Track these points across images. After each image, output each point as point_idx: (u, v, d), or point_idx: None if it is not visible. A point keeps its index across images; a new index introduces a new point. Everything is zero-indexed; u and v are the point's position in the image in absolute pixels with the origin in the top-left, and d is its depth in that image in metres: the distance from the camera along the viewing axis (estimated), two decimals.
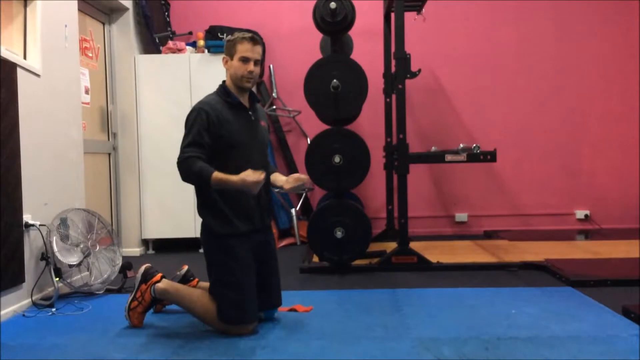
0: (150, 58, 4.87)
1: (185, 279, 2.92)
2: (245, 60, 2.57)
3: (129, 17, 4.78)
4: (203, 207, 2.58)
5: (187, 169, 2.47)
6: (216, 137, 2.51)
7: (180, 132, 4.64)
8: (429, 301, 2.97)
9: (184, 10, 5.53)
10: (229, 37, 2.67)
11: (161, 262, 4.39)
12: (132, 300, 2.64)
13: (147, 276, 2.67)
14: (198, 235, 4.71)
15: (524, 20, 5.55)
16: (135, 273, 2.74)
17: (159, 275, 2.69)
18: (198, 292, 2.63)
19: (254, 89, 5.12)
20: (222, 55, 2.67)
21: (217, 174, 2.41)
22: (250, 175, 2.38)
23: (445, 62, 5.56)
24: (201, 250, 4.56)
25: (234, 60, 2.58)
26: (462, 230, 5.59)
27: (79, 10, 3.92)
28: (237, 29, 5.30)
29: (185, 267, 2.99)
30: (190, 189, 4.70)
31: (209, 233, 2.57)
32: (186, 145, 2.50)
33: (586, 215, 5.57)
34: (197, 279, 2.94)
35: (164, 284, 2.66)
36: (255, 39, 2.60)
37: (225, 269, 2.51)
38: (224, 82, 2.67)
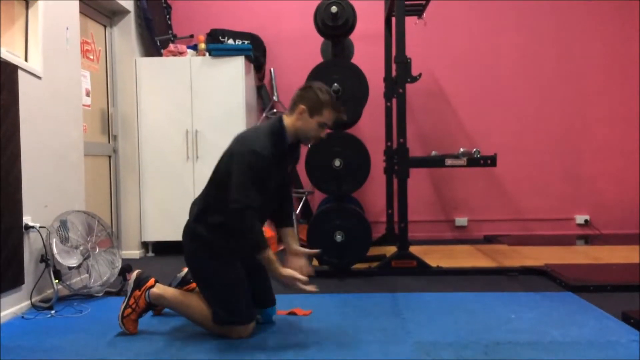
0: (151, 61, 4.88)
1: (184, 282, 2.91)
2: (324, 126, 2.53)
3: (130, 20, 4.78)
4: (207, 222, 2.49)
5: (250, 225, 2.35)
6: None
7: (180, 134, 4.72)
8: (429, 305, 2.97)
9: (185, 13, 5.54)
10: (318, 90, 2.49)
11: (161, 265, 4.40)
12: (125, 308, 2.58)
13: (140, 282, 2.61)
14: None
15: (525, 24, 5.56)
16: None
17: (153, 280, 2.64)
18: (195, 297, 2.60)
19: (254, 91, 5.11)
20: (299, 104, 2.49)
21: (270, 253, 2.37)
22: (295, 278, 2.37)
23: (446, 67, 5.56)
24: None
25: (313, 119, 2.48)
26: (462, 234, 5.58)
27: (81, 12, 3.93)
28: (239, 33, 5.33)
29: (185, 270, 2.98)
30: (190, 192, 4.74)
31: (199, 241, 2.50)
32: (247, 189, 2.35)
33: (586, 221, 5.56)
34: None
35: (158, 289, 2.61)
36: (343, 109, 2.57)
37: (214, 271, 2.48)
38: (281, 120, 2.52)
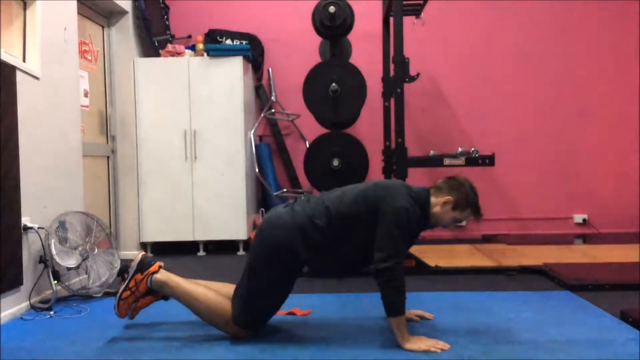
0: (149, 61, 4.88)
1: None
2: (458, 222, 2.56)
3: (128, 21, 4.78)
4: (310, 242, 2.39)
5: (402, 283, 2.31)
6: None
7: (179, 135, 4.73)
8: (427, 305, 2.96)
9: (183, 14, 5.54)
10: (470, 189, 2.50)
11: None
12: (124, 290, 2.50)
13: (143, 265, 2.52)
14: (196, 238, 4.80)
15: (523, 24, 5.56)
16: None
17: (157, 264, 2.53)
18: (201, 288, 2.52)
19: (252, 92, 5.10)
20: (445, 195, 2.49)
21: (403, 319, 2.33)
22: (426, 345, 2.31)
23: (444, 66, 5.57)
24: (242, 252, 4.53)
25: (454, 212, 2.48)
26: (460, 234, 5.59)
27: (79, 13, 3.93)
28: (237, 33, 5.33)
29: (141, 254, 2.69)
30: (188, 192, 4.73)
31: (290, 254, 2.40)
32: (401, 250, 2.34)
33: (584, 220, 5.57)
34: (158, 263, 2.65)
35: (162, 275, 2.51)
36: (482, 215, 2.55)
37: (274, 276, 2.42)
38: (428, 196, 2.50)
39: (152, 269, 2.52)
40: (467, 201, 2.49)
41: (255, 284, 2.43)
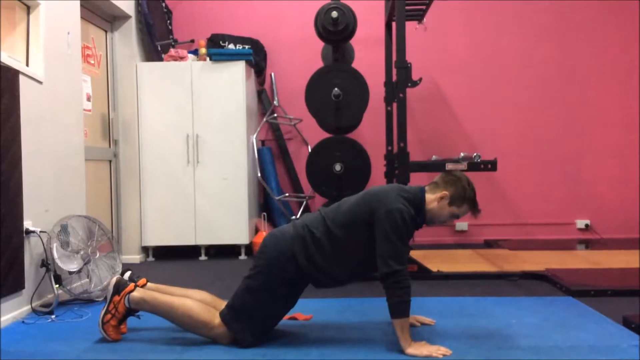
0: (152, 65, 4.89)
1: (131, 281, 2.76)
2: (455, 217, 2.54)
3: (131, 25, 4.80)
4: (312, 254, 2.42)
5: (405, 292, 2.31)
6: None
7: (181, 139, 4.73)
8: (429, 310, 2.96)
9: (186, 18, 5.55)
10: (467, 184, 2.48)
11: (161, 270, 4.40)
12: (105, 314, 2.53)
13: (119, 287, 2.55)
14: (198, 242, 4.80)
15: (525, 29, 5.57)
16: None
17: (132, 285, 2.57)
18: (177, 299, 2.53)
19: (254, 96, 5.13)
20: (441, 190, 2.47)
21: (407, 322, 2.35)
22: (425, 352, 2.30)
23: (447, 71, 5.57)
24: (243, 257, 4.58)
25: (451, 208, 2.47)
26: (462, 239, 5.58)
27: (82, 17, 3.94)
28: (240, 37, 5.35)
29: (116, 277, 2.74)
30: (190, 196, 4.74)
31: (292, 262, 2.42)
32: (400, 252, 2.34)
33: (587, 225, 5.56)
34: (144, 279, 2.76)
35: (139, 292, 2.54)
36: (479, 210, 2.54)
37: (276, 294, 2.44)
38: (423, 193, 2.49)
39: (128, 289, 2.54)
40: (464, 196, 2.48)
41: (259, 298, 2.43)
